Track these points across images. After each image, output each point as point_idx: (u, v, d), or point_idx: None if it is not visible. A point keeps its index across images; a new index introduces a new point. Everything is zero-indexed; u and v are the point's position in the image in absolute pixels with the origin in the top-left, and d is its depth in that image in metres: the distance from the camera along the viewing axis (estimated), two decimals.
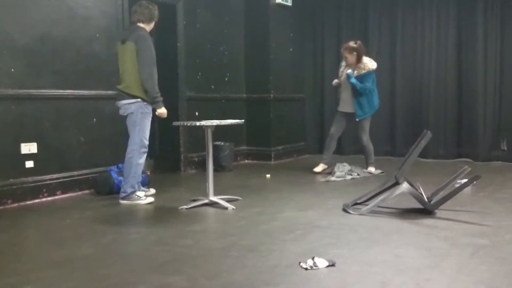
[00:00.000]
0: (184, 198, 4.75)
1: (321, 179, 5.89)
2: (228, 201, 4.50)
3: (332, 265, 2.80)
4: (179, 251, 3.17)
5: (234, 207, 4.34)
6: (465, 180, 4.23)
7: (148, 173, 5.69)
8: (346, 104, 6.13)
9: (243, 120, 5.00)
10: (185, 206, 4.38)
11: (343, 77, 6.09)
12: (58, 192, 4.96)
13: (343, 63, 6.18)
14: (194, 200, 4.54)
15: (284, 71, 7.75)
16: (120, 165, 5.13)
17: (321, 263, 2.80)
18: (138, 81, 4.47)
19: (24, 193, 4.66)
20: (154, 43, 4.80)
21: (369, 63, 5.97)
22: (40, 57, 4.81)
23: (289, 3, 7.66)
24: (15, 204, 4.58)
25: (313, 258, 2.84)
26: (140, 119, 4.54)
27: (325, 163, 6.25)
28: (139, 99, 4.51)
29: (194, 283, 2.61)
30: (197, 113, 6.69)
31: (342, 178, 5.82)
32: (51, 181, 4.90)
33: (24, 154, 4.69)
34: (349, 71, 5.98)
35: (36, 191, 4.77)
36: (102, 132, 5.38)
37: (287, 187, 5.40)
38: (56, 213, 4.32)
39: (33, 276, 2.76)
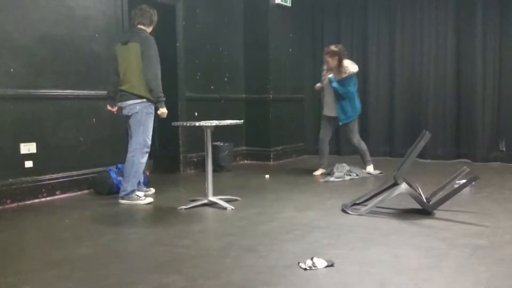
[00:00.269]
0: (183, 198, 4.75)
1: (320, 179, 5.89)
2: (227, 201, 4.51)
3: (331, 265, 2.80)
4: (178, 251, 3.17)
5: (233, 208, 4.34)
6: (464, 180, 4.24)
7: (148, 173, 5.69)
8: (329, 108, 6.14)
9: (242, 121, 5.00)
10: (184, 206, 4.38)
11: (326, 81, 6.10)
12: (57, 192, 4.96)
13: (325, 67, 6.19)
14: (193, 200, 4.55)
15: (284, 72, 7.75)
16: (119, 165, 5.13)
17: (320, 263, 2.80)
18: (143, 81, 4.51)
19: (23, 193, 4.66)
20: None
21: (351, 66, 5.94)
22: (40, 57, 4.81)
23: (289, 4, 7.66)
24: (14, 204, 4.58)
25: (312, 259, 2.84)
26: (145, 119, 4.58)
27: (324, 168, 6.26)
28: (144, 99, 4.55)
29: (193, 283, 2.61)
30: (196, 113, 6.69)
31: (341, 179, 5.83)
32: (50, 181, 4.90)
33: (24, 154, 4.69)
34: (331, 75, 5.97)
35: (35, 191, 4.76)
36: (102, 132, 5.38)
37: (286, 187, 5.40)
38: (55, 213, 4.32)
39: (32, 275, 2.77)
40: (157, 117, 4.79)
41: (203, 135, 4.54)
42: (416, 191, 4.14)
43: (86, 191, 5.21)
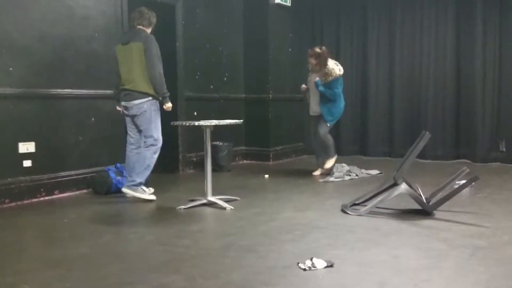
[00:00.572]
0: (182, 198, 4.75)
1: (319, 179, 5.89)
2: (227, 201, 4.50)
3: (330, 265, 2.80)
4: (177, 251, 3.16)
5: (233, 207, 4.34)
6: (464, 181, 4.24)
7: None
8: (313, 109, 6.17)
9: (241, 120, 5.00)
10: (183, 206, 4.38)
11: (311, 82, 6.11)
12: (56, 192, 4.95)
13: (310, 68, 6.20)
14: (192, 200, 4.54)
15: (283, 72, 7.75)
16: (118, 165, 5.13)
17: (319, 263, 2.79)
18: (147, 79, 4.60)
19: (22, 193, 4.66)
20: None
21: (336, 69, 5.94)
22: (39, 57, 4.80)
23: (288, 4, 7.66)
24: (13, 204, 4.57)
25: (311, 259, 2.84)
26: (154, 116, 4.70)
27: (321, 167, 6.24)
28: (150, 97, 4.64)
29: (192, 283, 2.60)
30: (195, 113, 6.69)
31: (340, 179, 5.83)
32: (49, 181, 4.89)
33: (22, 153, 4.68)
34: (317, 79, 5.97)
35: (34, 191, 4.76)
36: (101, 132, 5.37)
37: (286, 187, 5.39)
38: (54, 213, 4.31)
39: (31, 275, 2.76)
40: None
41: (202, 134, 4.54)
42: (415, 191, 4.13)
43: (85, 191, 5.20)
